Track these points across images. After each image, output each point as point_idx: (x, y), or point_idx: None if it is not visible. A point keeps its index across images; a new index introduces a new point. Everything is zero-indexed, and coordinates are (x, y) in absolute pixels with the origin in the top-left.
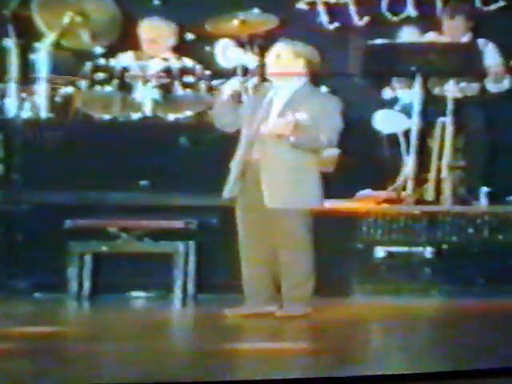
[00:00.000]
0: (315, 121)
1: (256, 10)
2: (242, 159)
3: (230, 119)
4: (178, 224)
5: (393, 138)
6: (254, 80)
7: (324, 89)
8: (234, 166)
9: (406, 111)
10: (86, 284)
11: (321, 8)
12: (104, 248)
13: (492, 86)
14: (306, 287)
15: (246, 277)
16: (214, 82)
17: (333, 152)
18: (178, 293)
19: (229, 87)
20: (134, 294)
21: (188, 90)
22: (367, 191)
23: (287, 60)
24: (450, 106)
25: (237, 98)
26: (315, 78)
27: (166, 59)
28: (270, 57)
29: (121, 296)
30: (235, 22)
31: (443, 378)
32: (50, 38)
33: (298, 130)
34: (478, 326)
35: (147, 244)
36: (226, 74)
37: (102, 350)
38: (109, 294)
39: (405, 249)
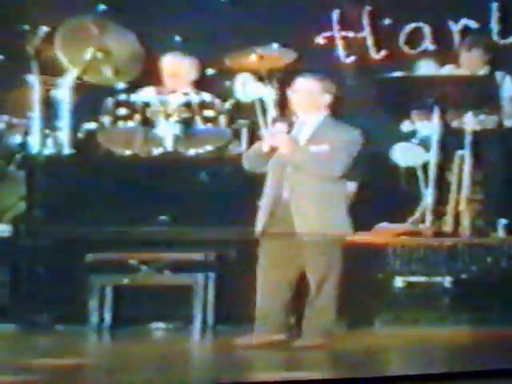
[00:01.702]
0: (334, 152)
1: (275, 45)
2: (272, 197)
3: (262, 164)
4: (198, 256)
5: (411, 171)
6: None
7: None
8: (265, 204)
9: (425, 144)
10: (107, 316)
11: (339, 42)
12: (125, 280)
13: (509, 120)
14: (329, 316)
15: (260, 305)
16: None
17: (351, 185)
18: (197, 324)
19: (272, 139)
20: (155, 325)
21: (208, 125)
22: (385, 224)
23: (305, 95)
24: (468, 139)
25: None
26: (336, 110)
27: (186, 94)
28: (290, 93)
29: (141, 328)
30: (254, 57)
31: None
32: (72, 73)
33: (295, 147)
34: (497, 354)
35: (167, 276)
36: (245, 109)
37: (123, 382)
38: (129, 325)
39: (424, 279)
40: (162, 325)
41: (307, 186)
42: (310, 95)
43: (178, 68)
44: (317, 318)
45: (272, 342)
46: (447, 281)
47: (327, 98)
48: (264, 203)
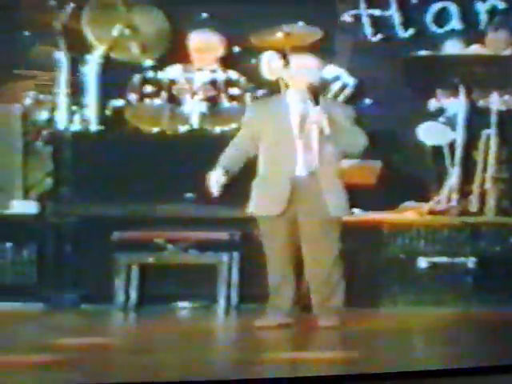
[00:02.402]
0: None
1: (300, 23)
2: (287, 175)
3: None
4: (223, 235)
5: (437, 150)
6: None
7: (368, 101)
8: (277, 183)
9: (451, 123)
10: (133, 295)
11: (365, 20)
12: (150, 259)
13: None
14: (339, 296)
15: (275, 286)
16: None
17: (375, 163)
18: (221, 303)
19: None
20: (180, 304)
21: (234, 103)
22: (411, 203)
23: (314, 73)
24: (494, 118)
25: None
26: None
27: (213, 71)
28: (300, 68)
29: (166, 306)
30: (280, 35)
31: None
32: (99, 50)
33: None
34: None
35: (193, 255)
36: (270, 86)
37: (148, 361)
38: (155, 304)
39: (448, 259)
40: (186, 304)
41: (329, 162)
42: (316, 73)
43: (205, 43)
44: (332, 298)
45: (282, 325)
46: (471, 261)
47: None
48: (276, 182)
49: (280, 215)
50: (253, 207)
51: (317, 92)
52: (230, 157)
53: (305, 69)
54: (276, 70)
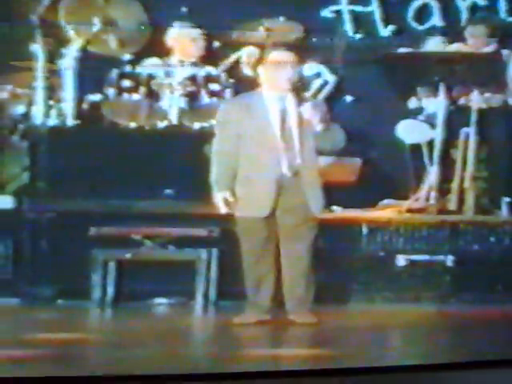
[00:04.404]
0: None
1: (281, 18)
2: (273, 176)
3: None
4: (201, 232)
5: (417, 148)
6: None
7: (349, 98)
8: (265, 183)
9: (431, 121)
10: (110, 291)
11: (346, 16)
12: (128, 255)
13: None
14: (311, 294)
15: (254, 284)
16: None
17: (355, 161)
18: (199, 300)
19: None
20: (157, 300)
21: (213, 99)
22: (390, 200)
23: (291, 70)
24: (473, 117)
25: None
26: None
27: (193, 65)
28: (278, 66)
29: (144, 303)
30: (260, 30)
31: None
32: (77, 44)
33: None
34: (498, 333)
35: (170, 251)
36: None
37: (125, 357)
38: (132, 300)
39: (426, 257)
40: (164, 300)
41: (310, 160)
42: (293, 69)
43: (186, 37)
44: (309, 295)
45: (261, 322)
46: (449, 259)
47: None
48: (260, 183)
49: (266, 216)
50: (236, 209)
51: (297, 88)
52: (229, 172)
53: (281, 65)
54: (254, 66)
